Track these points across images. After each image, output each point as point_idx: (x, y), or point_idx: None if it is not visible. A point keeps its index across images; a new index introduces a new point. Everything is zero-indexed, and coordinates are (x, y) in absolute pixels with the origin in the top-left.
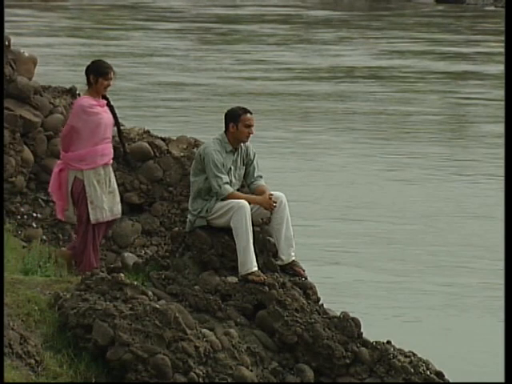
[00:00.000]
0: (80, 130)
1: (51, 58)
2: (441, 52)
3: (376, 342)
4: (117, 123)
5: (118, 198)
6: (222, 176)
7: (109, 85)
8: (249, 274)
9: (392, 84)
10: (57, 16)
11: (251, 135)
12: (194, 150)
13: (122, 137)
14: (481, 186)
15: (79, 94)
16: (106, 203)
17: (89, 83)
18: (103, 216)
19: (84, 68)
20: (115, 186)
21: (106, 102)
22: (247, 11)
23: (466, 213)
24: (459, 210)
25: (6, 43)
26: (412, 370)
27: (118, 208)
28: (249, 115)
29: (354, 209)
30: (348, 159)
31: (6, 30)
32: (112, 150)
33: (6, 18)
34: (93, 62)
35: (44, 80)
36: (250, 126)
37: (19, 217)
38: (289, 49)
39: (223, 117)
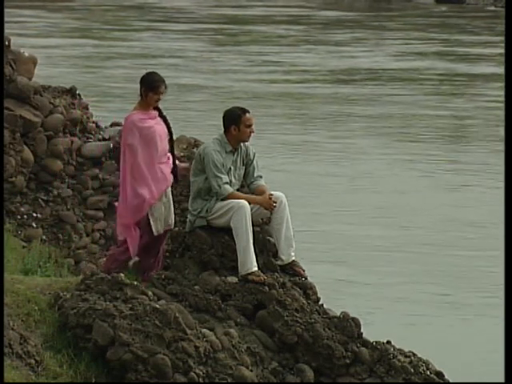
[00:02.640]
0: (135, 147)
1: (60, 59)
2: (460, 53)
3: (376, 341)
4: (170, 134)
5: (172, 209)
6: (222, 176)
7: (159, 99)
8: (249, 273)
9: (415, 87)
10: (64, 17)
11: (252, 134)
12: (194, 150)
13: (173, 149)
14: None
15: (79, 95)
16: (163, 215)
17: (141, 95)
18: (161, 228)
19: (96, 71)
20: (170, 196)
21: (157, 113)
22: (255, 12)
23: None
24: (491, 216)
25: (6, 43)
26: (412, 370)
27: (172, 218)
28: (248, 115)
29: (389, 215)
30: (383, 165)
31: (13, 31)
32: (170, 170)
33: (12, 19)
34: (147, 74)
35: (52, 82)
36: (250, 126)
37: (19, 217)
38: (304, 50)
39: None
